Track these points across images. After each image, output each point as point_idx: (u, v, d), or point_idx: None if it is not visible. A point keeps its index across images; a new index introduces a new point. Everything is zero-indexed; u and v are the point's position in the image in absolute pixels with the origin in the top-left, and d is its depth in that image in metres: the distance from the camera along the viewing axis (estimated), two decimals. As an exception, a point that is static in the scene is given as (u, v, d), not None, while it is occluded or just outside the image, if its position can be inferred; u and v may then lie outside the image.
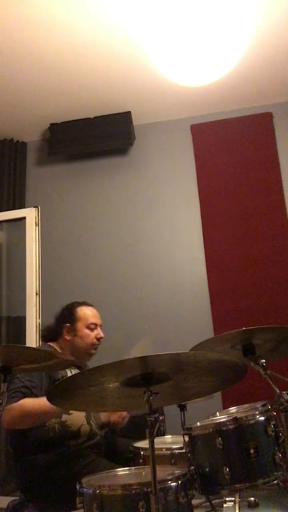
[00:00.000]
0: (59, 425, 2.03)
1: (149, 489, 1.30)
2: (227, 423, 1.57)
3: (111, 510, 1.39)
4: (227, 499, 1.55)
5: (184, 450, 1.69)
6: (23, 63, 3.17)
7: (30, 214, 3.73)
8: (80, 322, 2.26)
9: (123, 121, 3.78)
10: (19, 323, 3.58)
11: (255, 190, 3.63)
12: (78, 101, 3.65)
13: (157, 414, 1.34)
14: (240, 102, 3.76)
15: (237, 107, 3.79)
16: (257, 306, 3.38)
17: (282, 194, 3.59)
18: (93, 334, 2.25)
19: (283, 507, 1.55)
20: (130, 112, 3.78)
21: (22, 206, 3.90)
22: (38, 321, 3.40)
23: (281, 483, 1.54)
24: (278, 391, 1.44)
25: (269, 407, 1.61)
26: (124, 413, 2.25)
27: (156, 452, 1.42)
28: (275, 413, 1.58)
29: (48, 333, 2.33)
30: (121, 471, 1.67)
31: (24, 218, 3.73)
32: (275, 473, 1.52)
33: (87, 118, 3.84)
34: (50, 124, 3.90)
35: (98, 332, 2.28)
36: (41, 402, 1.88)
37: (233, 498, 1.54)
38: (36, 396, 1.96)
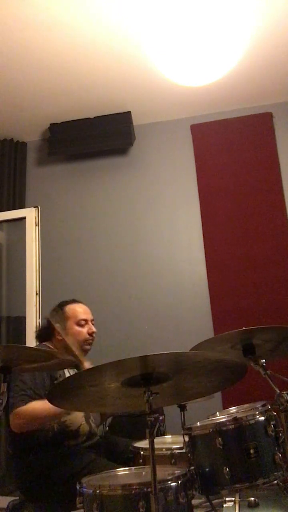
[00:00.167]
0: (58, 425, 2.03)
1: (149, 489, 1.30)
2: (227, 423, 1.57)
3: (111, 510, 1.39)
4: (227, 499, 1.55)
5: (184, 450, 1.70)
6: (23, 63, 3.17)
7: (30, 214, 3.73)
8: (70, 321, 2.25)
9: (123, 121, 3.78)
10: (19, 323, 3.58)
11: (255, 190, 3.63)
12: (78, 101, 3.65)
13: (157, 414, 1.34)
14: (240, 102, 3.76)
15: (237, 107, 3.80)
16: (257, 306, 3.38)
17: (282, 194, 3.59)
18: (84, 330, 2.25)
19: (283, 507, 1.55)
20: (130, 112, 3.78)
21: (22, 206, 3.90)
22: (38, 321, 3.41)
23: (281, 483, 1.53)
24: (278, 391, 1.44)
25: (269, 407, 1.61)
26: None
27: (156, 452, 1.42)
28: (275, 413, 1.58)
29: (41, 334, 2.33)
30: (121, 471, 1.67)
31: (24, 218, 3.74)
32: (275, 473, 1.52)
33: (87, 118, 3.84)
34: (50, 124, 3.90)
35: (90, 327, 2.28)
36: (49, 405, 1.90)
37: (233, 498, 1.55)
38: (41, 396, 1.96)
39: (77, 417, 2.10)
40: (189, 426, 1.69)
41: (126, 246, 3.75)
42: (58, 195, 3.99)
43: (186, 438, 1.66)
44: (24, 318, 3.49)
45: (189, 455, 1.63)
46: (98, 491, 1.39)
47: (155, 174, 3.87)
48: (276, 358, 1.73)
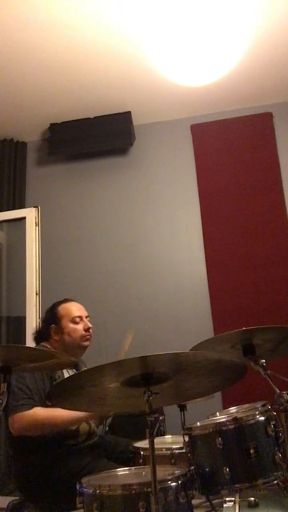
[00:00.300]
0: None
1: (149, 489, 1.30)
2: (227, 423, 1.57)
3: (111, 510, 1.39)
4: (227, 499, 1.55)
5: (184, 450, 1.69)
6: (23, 63, 3.17)
7: (30, 214, 3.73)
8: (64, 319, 2.25)
9: (123, 121, 3.78)
10: (19, 323, 3.58)
11: (255, 190, 3.63)
12: (78, 101, 3.65)
13: (157, 414, 1.34)
14: (240, 102, 3.76)
15: (237, 107, 3.80)
16: (257, 306, 3.38)
17: (282, 194, 3.59)
18: (80, 327, 2.25)
19: (283, 507, 1.55)
20: (130, 112, 3.78)
21: (22, 206, 3.90)
22: (38, 321, 3.40)
23: (281, 483, 1.53)
24: (278, 391, 1.44)
25: (269, 407, 1.61)
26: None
27: (156, 452, 1.42)
28: (275, 413, 1.58)
29: (38, 335, 2.33)
30: (121, 471, 1.67)
31: (24, 218, 3.74)
32: (275, 473, 1.52)
33: (87, 118, 3.84)
34: (50, 124, 3.90)
35: (85, 323, 2.28)
36: (54, 414, 1.91)
37: (233, 498, 1.55)
38: (43, 401, 1.96)
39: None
40: (189, 426, 1.69)
41: (126, 246, 3.75)
42: (58, 195, 3.99)
43: (186, 438, 1.65)
44: (24, 318, 3.49)
45: (189, 455, 1.63)
46: (98, 491, 1.39)
47: (155, 174, 3.87)
48: (276, 358, 1.73)
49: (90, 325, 2.29)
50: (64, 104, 3.68)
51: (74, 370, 2.21)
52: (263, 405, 1.64)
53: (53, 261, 3.76)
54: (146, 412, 1.34)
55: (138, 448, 1.88)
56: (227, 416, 1.70)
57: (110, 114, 3.79)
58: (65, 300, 2.36)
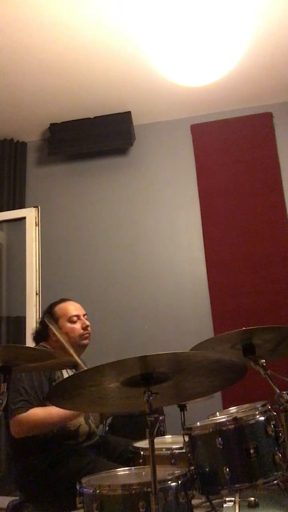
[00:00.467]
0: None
1: (149, 489, 1.30)
2: (227, 423, 1.57)
3: (111, 510, 1.39)
4: (227, 499, 1.55)
5: (184, 450, 1.70)
6: (23, 63, 3.17)
7: (30, 214, 3.73)
8: (62, 319, 2.25)
9: (123, 121, 3.78)
10: (19, 323, 3.58)
11: (255, 190, 3.63)
12: (78, 101, 3.65)
13: (157, 414, 1.34)
14: (240, 102, 3.76)
15: (237, 107, 3.80)
16: (257, 306, 3.38)
17: (282, 194, 3.59)
18: (77, 326, 2.25)
19: (283, 507, 1.55)
20: (130, 112, 3.78)
21: (22, 206, 3.90)
22: (38, 321, 3.40)
23: (281, 483, 1.53)
24: (278, 391, 1.44)
25: (269, 407, 1.61)
26: None
27: (156, 452, 1.42)
28: (275, 413, 1.58)
29: (37, 336, 2.33)
30: (121, 471, 1.67)
31: (24, 218, 3.74)
32: (275, 473, 1.52)
33: (87, 118, 3.84)
34: (50, 124, 3.90)
35: (83, 321, 2.27)
36: (51, 412, 1.91)
37: (233, 498, 1.54)
38: (41, 401, 1.96)
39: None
40: (189, 426, 1.69)
41: (126, 246, 3.75)
42: (58, 195, 3.99)
43: (186, 438, 1.66)
44: (24, 318, 3.49)
45: (189, 455, 1.63)
46: (98, 491, 1.39)
47: (155, 174, 3.87)
48: (276, 358, 1.73)
49: (87, 323, 2.29)
50: (64, 104, 3.68)
51: (73, 370, 2.21)
52: (263, 405, 1.64)
53: (53, 261, 3.76)
54: (146, 412, 1.34)
55: (138, 448, 1.88)
56: (227, 416, 1.70)
57: (110, 114, 3.79)
58: (62, 300, 2.36)
